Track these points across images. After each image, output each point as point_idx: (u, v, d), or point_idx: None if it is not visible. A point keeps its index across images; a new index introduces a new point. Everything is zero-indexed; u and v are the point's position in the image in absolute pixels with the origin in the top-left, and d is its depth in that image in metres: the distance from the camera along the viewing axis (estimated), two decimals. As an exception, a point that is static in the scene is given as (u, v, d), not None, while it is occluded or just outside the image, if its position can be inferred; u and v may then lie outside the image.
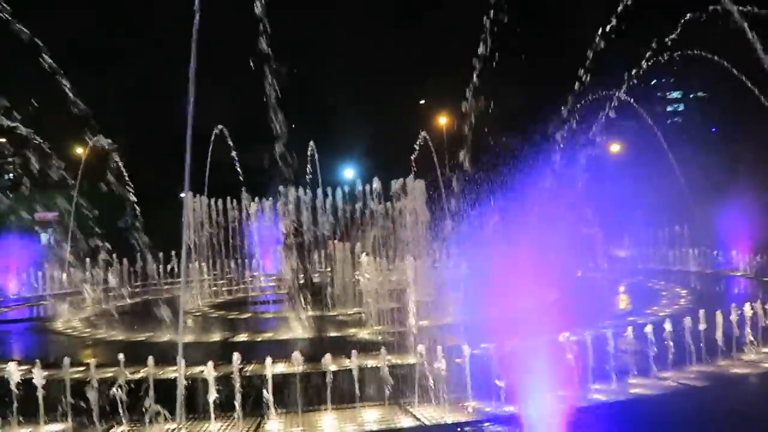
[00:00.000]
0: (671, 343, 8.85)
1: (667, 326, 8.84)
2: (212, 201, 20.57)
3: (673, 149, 24.79)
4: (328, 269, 16.90)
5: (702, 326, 9.19)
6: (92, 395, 7.56)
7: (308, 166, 26.47)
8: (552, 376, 7.47)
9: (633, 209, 23.62)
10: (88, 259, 20.55)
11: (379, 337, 11.15)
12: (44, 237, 34.50)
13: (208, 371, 7.63)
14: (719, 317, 9.33)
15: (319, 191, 19.01)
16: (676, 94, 77.69)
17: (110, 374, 8.09)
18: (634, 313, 12.11)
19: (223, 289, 20.55)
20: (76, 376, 8.03)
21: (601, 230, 24.38)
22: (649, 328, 8.69)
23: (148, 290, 21.96)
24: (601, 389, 8.25)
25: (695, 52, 20.63)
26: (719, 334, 9.35)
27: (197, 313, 15.93)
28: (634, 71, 19.84)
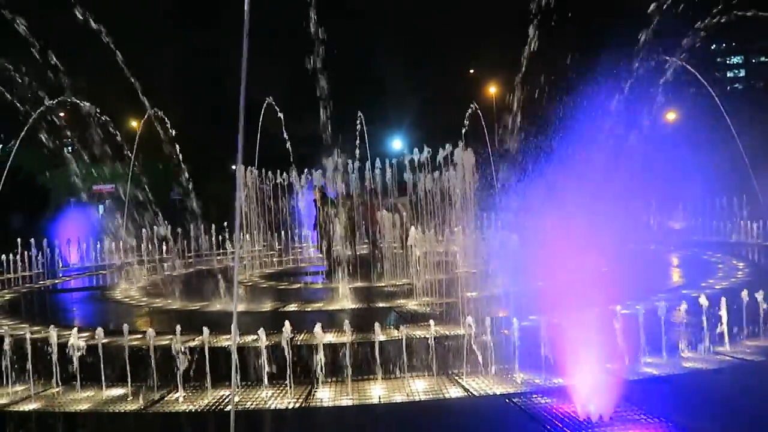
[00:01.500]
0: (726, 317, 8.64)
1: (723, 300, 8.63)
2: (263, 172, 20.85)
3: (733, 117, 23.92)
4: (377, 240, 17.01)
5: (759, 300, 8.94)
6: (150, 361, 7.86)
7: (356, 137, 26.51)
8: (602, 349, 7.40)
9: (689, 179, 23.00)
10: (143, 230, 21.16)
11: (428, 309, 11.21)
12: (101, 209, 35.61)
13: (261, 340, 7.81)
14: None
15: (367, 163, 19.07)
16: (737, 59, 74.83)
17: (167, 342, 8.37)
18: (689, 286, 11.85)
19: (273, 260, 20.90)
20: (135, 342, 8.34)
21: (655, 201, 23.84)
22: (703, 302, 8.50)
23: (200, 261, 22.51)
24: (652, 363, 8.14)
25: (758, 13, 19.74)
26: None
27: (248, 284, 16.26)
28: (692, 35, 19.14)
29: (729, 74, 73.41)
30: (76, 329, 8.34)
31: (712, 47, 66.08)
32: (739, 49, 73.84)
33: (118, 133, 21.29)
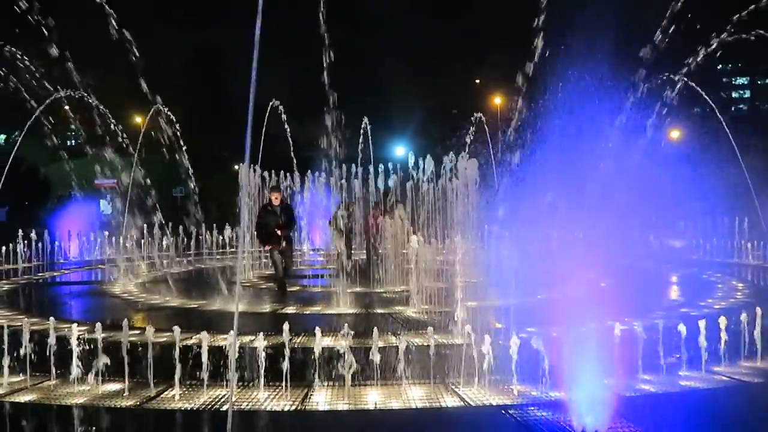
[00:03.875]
0: (724, 337, 8.66)
1: (721, 320, 8.65)
2: (267, 173, 20.92)
3: (737, 137, 24.00)
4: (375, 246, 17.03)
5: (758, 321, 8.96)
6: (148, 358, 7.86)
7: (360, 142, 26.60)
8: (599, 364, 7.40)
9: (691, 198, 23.02)
10: (144, 226, 21.17)
11: (426, 316, 11.22)
12: (103, 203, 35.63)
13: (259, 342, 7.82)
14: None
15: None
16: (742, 80, 75.02)
17: (164, 339, 8.38)
18: (687, 305, 11.87)
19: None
20: (133, 339, 8.34)
21: (656, 218, 23.85)
22: (702, 321, 8.52)
23: (201, 259, 22.52)
24: (649, 380, 8.15)
25: (764, 34, 19.83)
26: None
27: (247, 284, 16.27)
28: (698, 55, 19.21)
29: (734, 95, 73.60)
30: (75, 324, 8.35)
31: (718, 67, 66.31)
32: (745, 70, 73.99)
33: (122, 128, 21.36)
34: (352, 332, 8.02)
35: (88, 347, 8.18)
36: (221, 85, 57.69)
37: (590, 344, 7.29)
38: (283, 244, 13.85)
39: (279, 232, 13.70)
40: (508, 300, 10.78)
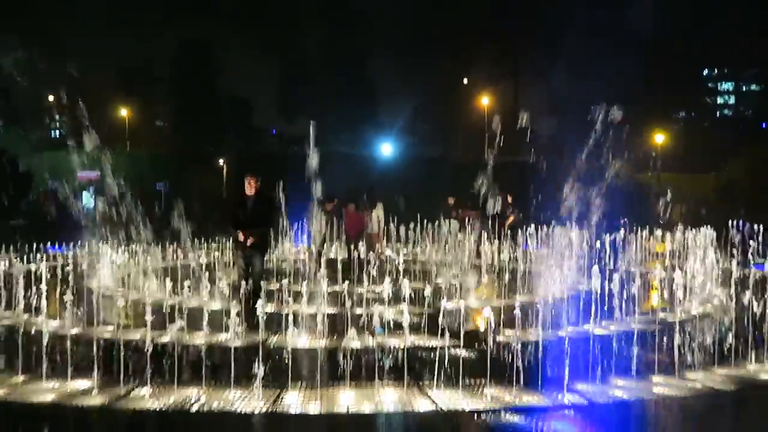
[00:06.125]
0: (700, 343, 8.68)
1: (696, 326, 8.68)
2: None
3: (722, 142, 24.20)
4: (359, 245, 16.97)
5: (733, 327, 9.00)
6: (119, 355, 7.75)
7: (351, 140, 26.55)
8: (574, 370, 7.40)
9: (675, 202, 23.17)
10: (124, 220, 20.95)
11: (404, 317, 11.15)
12: (86, 196, 35.32)
13: (233, 340, 7.75)
14: (752, 319, 9.13)
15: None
16: (727, 86, 75.62)
17: (137, 336, 8.28)
18: (666, 309, 11.90)
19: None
20: (105, 336, 8.23)
21: (637, 223, 24.00)
22: (677, 327, 8.54)
23: (181, 254, 22.32)
24: (623, 386, 8.13)
25: (750, 43, 19.98)
26: (751, 337, 9.15)
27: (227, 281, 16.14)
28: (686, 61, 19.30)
29: (719, 100, 74.16)
30: (46, 318, 8.23)
31: (704, 72, 66.81)
32: (730, 75, 74.55)
33: (106, 121, 21.20)
34: (328, 333, 7.97)
35: (58, 344, 8.06)
36: (207, 80, 57.43)
37: (564, 349, 7.29)
38: (249, 241, 11.27)
39: (240, 234, 11.20)
40: (488, 302, 10.78)
